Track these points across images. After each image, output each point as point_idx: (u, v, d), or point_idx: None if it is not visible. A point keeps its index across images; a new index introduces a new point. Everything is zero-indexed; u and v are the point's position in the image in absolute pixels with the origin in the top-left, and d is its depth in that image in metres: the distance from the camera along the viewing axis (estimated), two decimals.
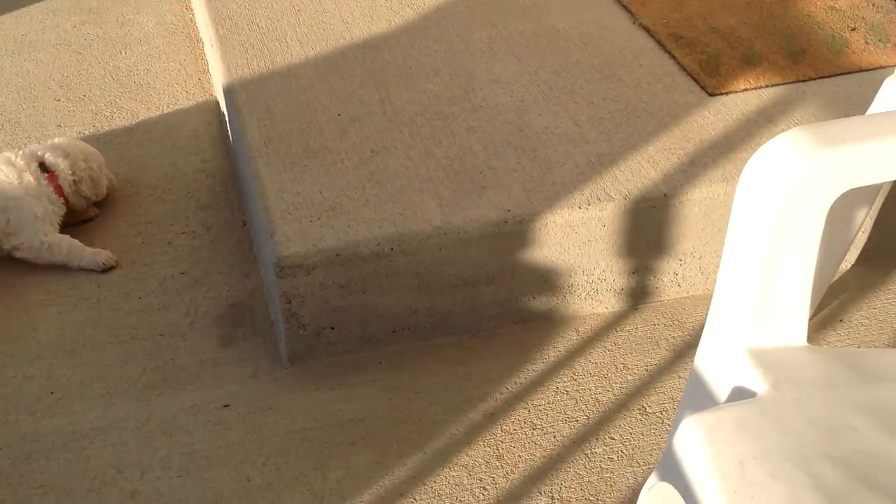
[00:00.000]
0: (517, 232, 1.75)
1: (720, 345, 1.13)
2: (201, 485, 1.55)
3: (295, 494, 1.53)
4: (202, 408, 1.67)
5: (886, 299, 1.89)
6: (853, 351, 1.10)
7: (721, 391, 1.11)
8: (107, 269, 1.94)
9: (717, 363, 1.13)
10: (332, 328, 1.76)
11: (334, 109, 1.98)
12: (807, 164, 1.04)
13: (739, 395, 1.07)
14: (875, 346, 1.78)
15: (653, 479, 1.07)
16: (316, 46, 2.16)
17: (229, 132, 2.17)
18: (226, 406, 1.68)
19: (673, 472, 1.01)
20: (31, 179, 1.91)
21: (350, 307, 1.74)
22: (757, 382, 1.05)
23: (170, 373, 1.74)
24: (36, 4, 2.71)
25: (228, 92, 2.04)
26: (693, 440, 0.99)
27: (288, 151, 1.87)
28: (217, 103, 2.38)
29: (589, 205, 1.76)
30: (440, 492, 1.54)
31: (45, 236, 1.91)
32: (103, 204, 2.08)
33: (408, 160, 1.86)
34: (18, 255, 1.91)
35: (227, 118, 2.16)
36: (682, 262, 1.87)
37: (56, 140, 2.02)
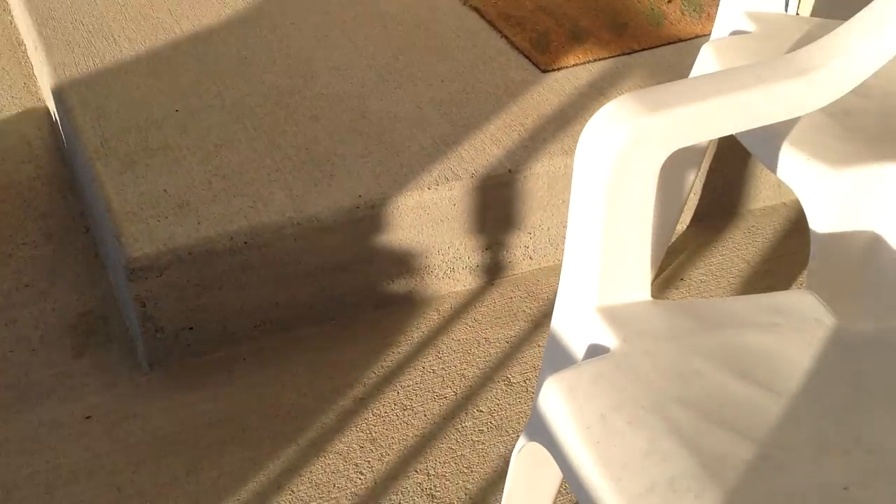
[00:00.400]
0: (370, 217, 1.77)
1: (572, 306, 1.18)
2: (70, 499, 1.50)
3: (169, 500, 1.51)
4: (63, 421, 1.62)
5: (721, 256, 2.02)
6: (693, 302, 1.18)
7: (577, 350, 1.17)
8: None
9: (571, 324, 1.19)
10: (191, 328, 1.73)
11: (171, 105, 1.94)
12: (634, 128, 1.10)
13: (594, 352, 1.13)
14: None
15: (522, 440, 1.11)
16: (145, 42, 2.11)
17: (63, 136, 2.09)
18: (87, 418, 1.63)
19: (540, 432, 1.06)
20: None
21: (208, 306, 1.72)
22: (609, 339, 1.11)
23: (24, 389, 1.67)
24: None
25: (58, 94, 1.96)
26: (555, 398, 1.04)
27: (127, 151, 1.82)
28: (46, 107, 2.29)
29: (438, 185, 1.80)
30: (317, 481, 1.56)
31: None
32: None
33: (253, 152, 1.84)
34: None
35: (59, 122, 2.08)
36: (532, 235, 1.94)
37: None
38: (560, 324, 1.22)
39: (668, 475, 0.95)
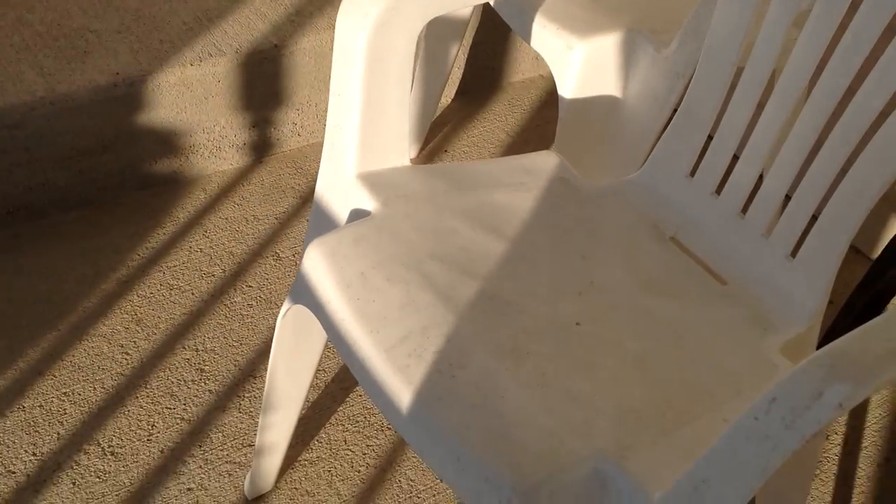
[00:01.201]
0: (129, 95, 1.70)
1: (334, 174, 1.20)
2: None
3: None
4: None
5: (483, 128, 2.09)
6: (449, 166, 1.23)
7: (340, 216, 1.19)
8: None
9: (333, 191, 1.21)
10: None
11: None
12: None
13: (356, 217, 1.16)
14: None
15: (287, 304, 1.13)
16: None
17: None
18: None
19: (303, 294, 1.08)
20: None
21: None
22: (369, 203, 1.14)
23: None
24: None
25: None
26: (317, 261, 1.06)
27: None
28: None
29: (201, 61, 1.74)
30: (80, 364, 1.52)
31: None
32: None
33: None
34: None
35: None
36: (300, 111, 1.93)
37: None
38: (323, 192, 1.23)
39: (422, 324, 1.00)
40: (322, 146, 1.97)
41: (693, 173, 1.22)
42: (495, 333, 1.01)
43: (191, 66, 1.73)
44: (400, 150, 1.19)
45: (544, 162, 1.25)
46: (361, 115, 1.14)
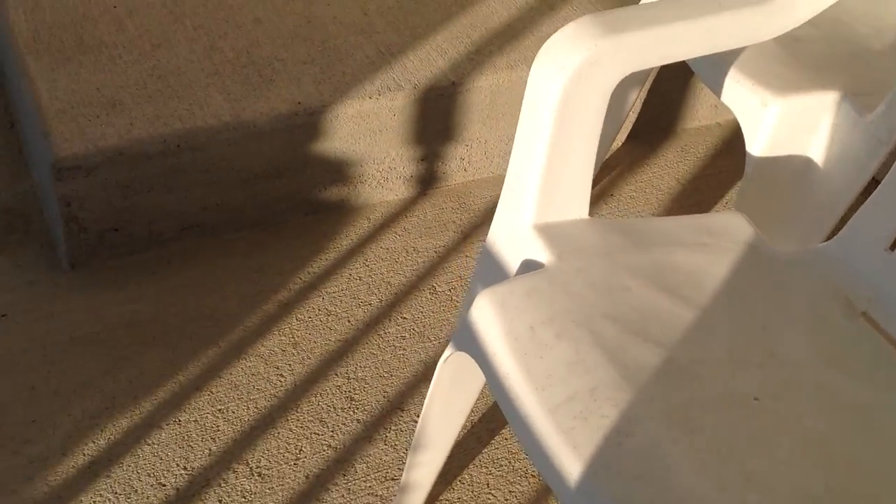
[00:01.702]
0: (308, 124, 1.73)
1: (509, 222, 1.17)
2: None
3: (84, 399, 1.49)
4: None
5: (652, 173, 2.03)
6: (628, 221, 1.18)
7: (511, 265, 1.16)
8: None
9: (507, 239, 1.18)
10: (116, 230, 1.69)
11: (109, 1, 1.86)
12: (593, 50, 1.09)
13: (528, 268, 1.13)
14: (641, 216, 1.93)
15: (449, 349, 1.11)
16: None
17: None
18: (3, 316, 1.59)
19: (468, 342, 1.05)
20: None
21: (135, 207, 1.67)
22: (543, 255, 1.11)
23: None
24: None
25: None
26: (487, 311, 1.03)
27: (60, 47, 1.75)
28: None
29: (379, 95, 1.76)
30: (237, 382, 1.54)
31: None
32: None
33: (192, 54, 1.78)
34: None
35: None
36: (469, 147, 1.92)
37: None
38: (495, 238, 1.21)
39: (590, 385, 0.95)
40: (488, 182, 1.97)
41: (894, 247, 1.13)
42: (667, 401, 0.95)
43: (369, 99, 1.75)
44: (580, 203, 1.15)
45: (729, 223, 1.18)
46: (546, 166, 1.11)
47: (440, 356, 1.25)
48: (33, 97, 1.66)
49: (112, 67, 1.73)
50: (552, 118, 1.09)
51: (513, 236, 1.16)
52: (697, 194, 1.99)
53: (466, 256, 1.80)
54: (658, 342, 1.01)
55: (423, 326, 1.66)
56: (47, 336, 1.56)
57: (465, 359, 1.09)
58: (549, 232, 1.13)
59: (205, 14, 1.87)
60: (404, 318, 1.67)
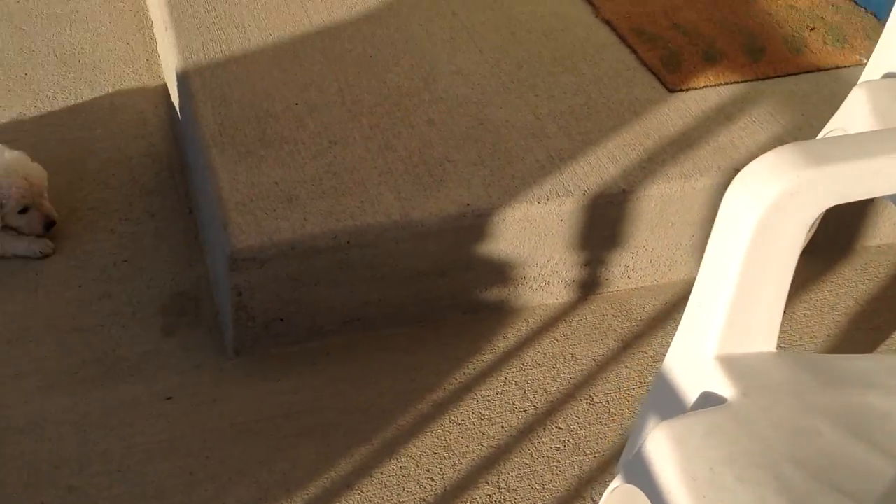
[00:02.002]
0: (475, 225, 1.72)
1: (690, 351, 1.11)
2: (142, 479, 1.49)
3: (239, 488, 1.48)
4: (144, 400, 1.61)
5: (829, 292, 1.91)
6: (819, 357, 1.10)
7: (689, 396, 1.09)
8: (44, 257, 1.86)
9: (686, 369, 1.11)
10: (282, 320, 1.71)
11: (292, 98, 1.92)
12: (794, 181, 1.03)
13: (708, 401, 1.06)
14: (816, 336, 1.81)
15: (618, 480, 1.04)
16: (274, 33, 2.10)
17: (179, 117, 2.10)
18: (168, 398, 1.62)
19: (640, 476, 0.98)
20: None
21: (301, 299, 1.69)
22: (726, 389, 1.04)
23: (110, 364, 1.67)
24: None
25: (182, 77, 1.97)
26: (663, 445, 0.96)
27: (243, 140, 1.81)
28: (165, 86, 2.30)
29: (548, 200, 1.73)
30: (387, 483, 1.51)
31: None
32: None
33: (366, 152, 1.81)
34: None
35: (177, 103, 2.09)
36: (634, 254, 1.85)
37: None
38: (673, 366, 1.14)
39: None
40: (651, 291, 1.90)
41: None
42: None
43: (537, 204, 1.72)
44: (768, 335, 1.08)
45: None
46: (735, 297, 1.05)
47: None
48: (216, 188, 1.71)
49: (291, 162, 1.77)
50: (745, 249, 1.03)
51: (693, 366, 1.09)
52: (877, 317, 1.85)
53: (626, 367, 1.72)
54: (848, 492, 0.92)
55: (579, 438, 1.59)
56: (208, 422, 1.58)
57: (634, 492, 1.02)
58: (733, 364, 1.06)
59: (381, 113, 1.90)
60: (559, 427, 1.61)
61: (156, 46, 2.43)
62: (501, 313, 1.83)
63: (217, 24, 2.11)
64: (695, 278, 1.13)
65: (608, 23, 2.21)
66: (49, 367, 1.66)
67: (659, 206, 1.80)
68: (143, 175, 2.08)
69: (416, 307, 1.78)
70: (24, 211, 1.84)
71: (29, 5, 2.53)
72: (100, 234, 1.92)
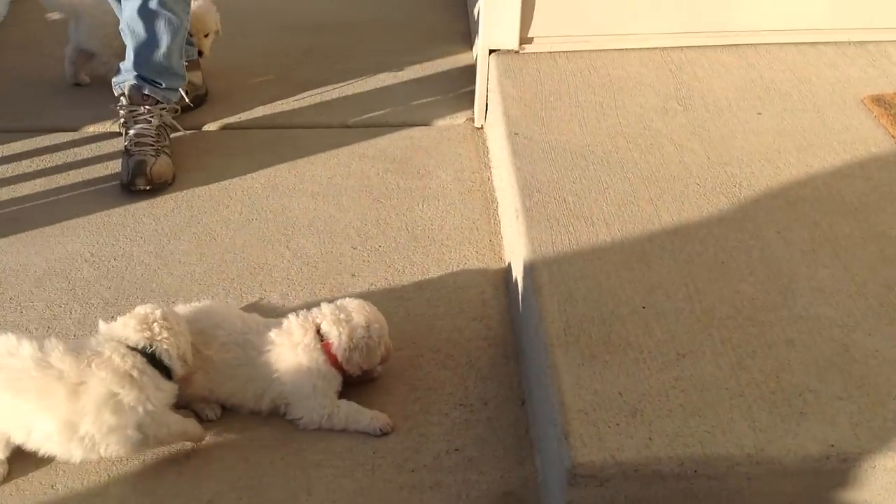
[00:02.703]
0: (838, 470, 1.54)
1: None
2: None
3: None
4: None
5: None
6: None
7: None
8: (383, 434, 1.89)
9: None
10: None
11: (638, 300, 1.87)
12: None
13: None
14: None
15: None
16: (623, 229, 2.07)
17: (519, 305, 2.10)
18: None
19: None
20: (304, 352, 1.89)
21: None
22: None
23: None
24: (346, 148, 2.82)
25: (529, 268, 1.97)
26: None
27: (588, 342, 1.77)
28: (506, 268, 2.33)
29: None
30: None
31: (322, 409, 1.89)
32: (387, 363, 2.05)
33: (717, 369, 1.70)
34: (300, 426, 1.91)
35: (519, 290, 2.10)
36: None
37: (346, 301, 1.99)
38: None
39: None
40: None
41: None
42: None
43: None
44: None
45: None
46: None
47: None
48: (558, 391, 1.67)
49: (636, 372, 1.70)
50: None
51: None
52: None
53: None
54: None
55: None
56: None
57: None
58: None
59: (734, 327, 1.79)
60: None
61: (499, 228, 2.48)
62: None
63: (566, 217, 2.12)
64: None
65: None
66: None
67: None
68: (480, 359, 2.08)
69: None
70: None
71: (388, 178, 2.69)
72: (434, 417, 1.93)
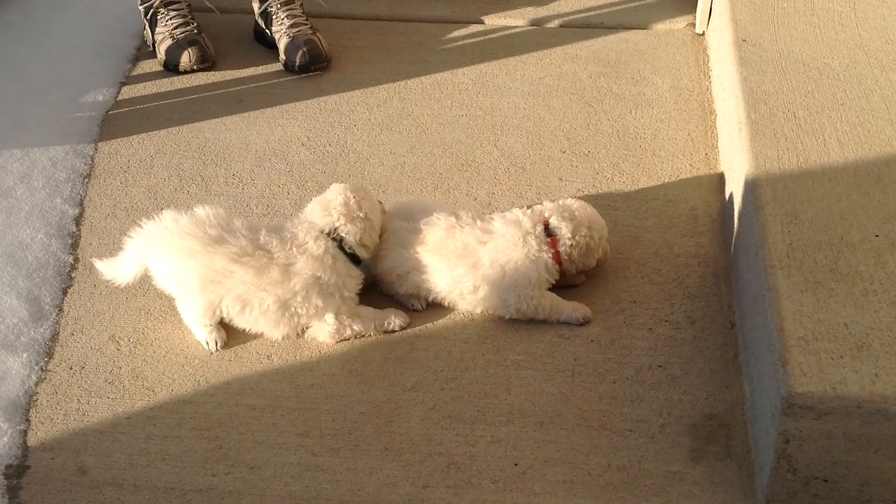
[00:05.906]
0: None
1: None
2: None
3: None
4: None
5: None
6: None
7: None
8: (584, 323, 1.89)
9: None
10: (826, 481, 1.53)
11: (872, 228, 1.74)
12: None
13: None
14: None
15: None
16: (857, 150, 1.92)
17: (735, 223, 2.00)
18: None
19: None
20: (534, 244, 1.89)
21: (854, 463, 1.50)
22: None
23: (634, 476, 1.63)
24: (558, 49, 2.74)
25: (752, 185, 1.87)
26: None
27: (812, 268, 1.67)
28: (720, 185, 2.23)
29: None
30: None
31: (531, 299, 1.89)
32: (590, 272, 2.01)
33: None
34: (507, 314, 1.92)
35: (736, 208, 2.00)
36: None
37: (568, 201, 1.98)
38: None
39: None
40: None
41: None
42: None
43: None
44: None
45: None
46: None
47: None
48: (776, 316, 1.59)
49: (864, 303, 1.60)
50: None
51: None
52: None
53: None
54: None
55: None
56: None
57: None
58: None
59: None
60: None
61: (717, 141, 2.37)
62: None
63: (795, 133, 1.99)
64: None
65: None
66: (576, 461, 1.67)
67: None
68: (688, 277, 2.02)
69: None
70: None
71: (600, 82, 2.60)
72: (638, 332, 1.90)
